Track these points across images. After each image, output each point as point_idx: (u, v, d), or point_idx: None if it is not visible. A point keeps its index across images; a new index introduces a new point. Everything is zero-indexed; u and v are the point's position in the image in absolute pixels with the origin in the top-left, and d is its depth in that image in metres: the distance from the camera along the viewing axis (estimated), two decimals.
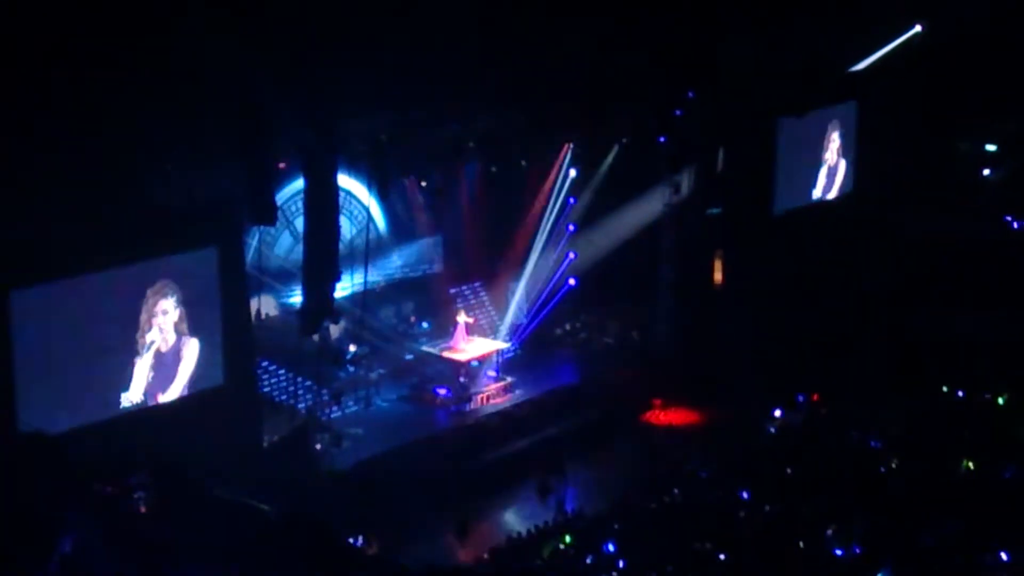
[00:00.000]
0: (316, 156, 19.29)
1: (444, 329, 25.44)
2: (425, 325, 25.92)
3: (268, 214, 19.50)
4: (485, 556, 18.68)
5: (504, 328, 27.02)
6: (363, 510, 19.52)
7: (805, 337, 26.24)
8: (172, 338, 19.67)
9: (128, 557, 12.63)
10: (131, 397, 19.28)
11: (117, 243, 18.68)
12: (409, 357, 25.17)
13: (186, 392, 19.98)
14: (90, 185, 18.14)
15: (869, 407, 22.30)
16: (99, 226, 18.37)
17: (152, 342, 19.40)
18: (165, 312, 19.49)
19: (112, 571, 12.65)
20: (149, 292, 19.26)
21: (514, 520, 20.77)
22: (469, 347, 24.84)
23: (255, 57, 18.23)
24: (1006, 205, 29.97)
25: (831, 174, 29.85)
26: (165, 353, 19.64)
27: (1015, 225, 29.80)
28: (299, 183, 20.93)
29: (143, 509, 14.39)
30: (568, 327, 28.11)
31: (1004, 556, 15.75)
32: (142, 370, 19.36)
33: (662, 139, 26.69)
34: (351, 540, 18.00)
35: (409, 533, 19.54)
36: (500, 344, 25.87)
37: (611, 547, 17.31)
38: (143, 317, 19.24)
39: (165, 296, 19.44)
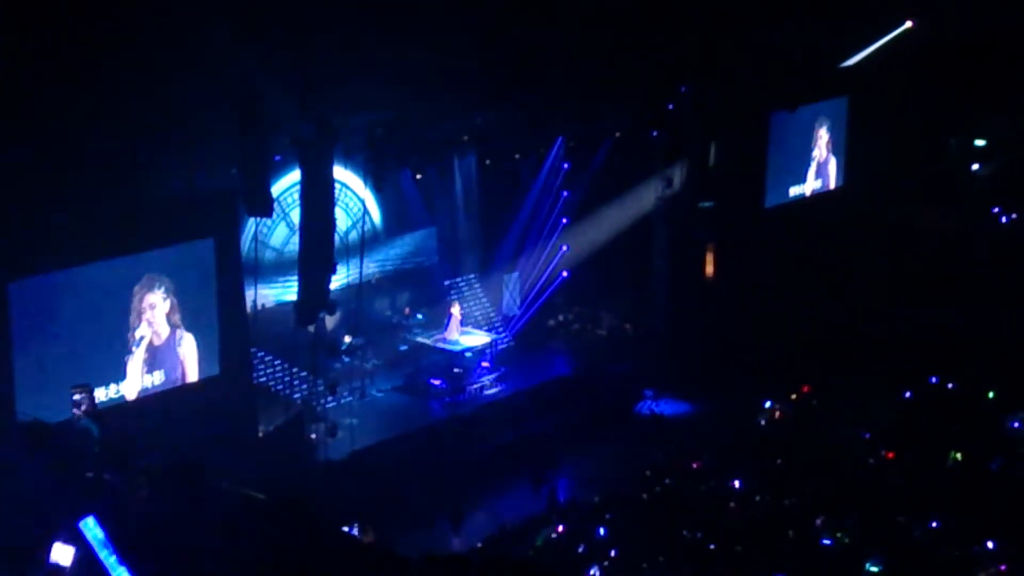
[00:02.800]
0: (313, 148, 19.39)
1: (438, 320, 25.53)
2: (420, 316, 26.00)
3: (265, 206, 19.61)
4: (479, 545, 18.84)
5: (498, 320, 27.19)
6: (358, 500, 19.65)
7: (796, 330, 26.43)
8: (165, 330, 19.79)
9: (128, 544, 12.75)
10: (126, 388, 19.40)
11: (115, 234, 18.75)
12: (404, 348, 25.27)
13: (181, 383, 20.11)
14: (87, 177, 18.19)
15: (859, 399, 22.49)
16: (97, 217, 18.43)
17: (143, 335, 19.52)
18: (153, 306, 19.59)
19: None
20: (136, 286, 19.35)
21: (508, 510, 20.90)
22: (463, 338, 24.98)
23: (252, 49, 18.31)
24: (995, 200, 30.15)
25: (821, 169, 30.04)
26: (159, 345, 19.76)
27: (1004, 219, 30.00)
28: (295, 175, 21.03)
29: (144, 495, 14.47)
30: (561, 319, 28.27)
31: (991, 545, 15.97)
32: (136, 362, 19.48)
33: (655, 133, 26.85)
34: (346, 529, 18.12)
35: (404, 523, 19.65)
36: (494, 336, 26.04)
37: (602, 531, 17.50)
38: (133, 310, 19.36)
39: (153, 289, 19.55)
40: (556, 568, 17.15)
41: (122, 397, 19.34)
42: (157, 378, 19.83)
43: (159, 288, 19.64)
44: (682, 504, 18.54)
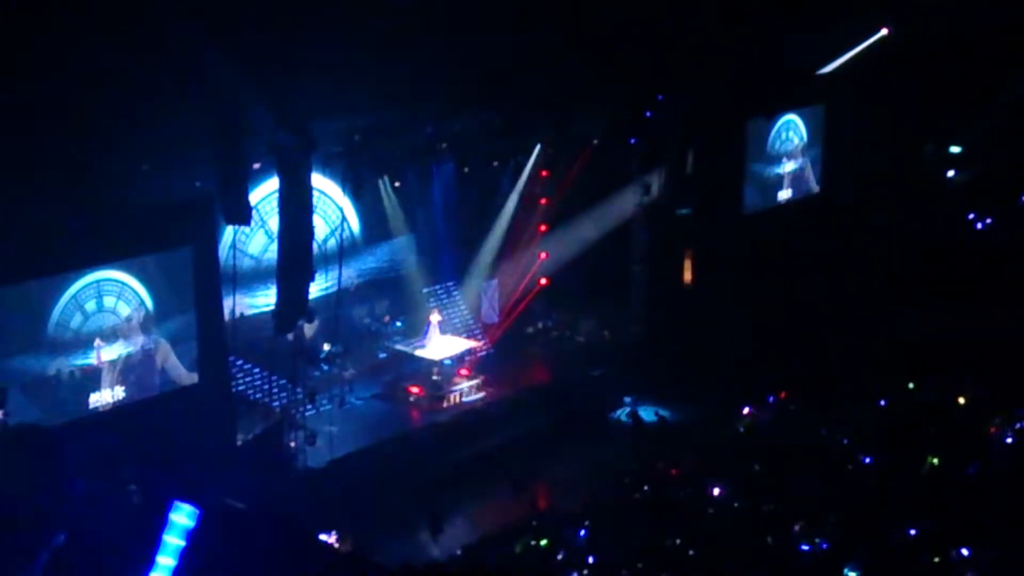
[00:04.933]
0: (290, 156, 19.38)
1: (417, 328, 25.55)
2: (399, 324, 26.03)
3: (243, 214, 19.59)
4: (458, 553, 18.80)
5: (477, 327, 27.20)
6: (337, 508, 19.62)
7: (773, 336, 26.49)
8: (142, 340, 19.76)
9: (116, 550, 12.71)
10: (101, 397, 19.35)
11: (91, 244, 18.78)
12: (383, 356, 25.28)
13: (159, 391, 20.05)
14: (64, 185, 18.14)
15: (837, 404, 22.53)
16: (72, 226, 18.42)
17: (119, 344, 19.50)
18: (130, 316, 19.60)
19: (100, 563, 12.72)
20: (113, 295, 19.34)
21: (487, 517, 20.88)
22: (442, 345, 24.98)
23: (229, 56, 18.29)
24: (971, 206, 30.31)
25: (798, 176, 30.16)
26: (136, 354, 19.73)
27: (979, 225, 30.16)
28: (273, 182, 21.01)
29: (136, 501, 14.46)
30: (540, 326, 28.28)
31: (965, 552, 16.01)
32: (112, 372, 19.46)
33: (633, 140, 26.91)
34: (325, 538, 18.10)
35: (382, 531, 19.64)
36: (473, 343, 26.04)
37: (581, 537, 17.48)
38: (109, 319, 19.35)
39: (129, 299, 19.55)
40: None
41: (98, 407, 19.28)
42: (134, 388, 19.76)
43: (136, 297, 19.60)
44: (661, 511, 18.52)
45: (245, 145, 19.27)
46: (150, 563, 12.37)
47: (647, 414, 24.64)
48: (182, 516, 12.13)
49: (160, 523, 12.95)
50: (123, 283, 19.47)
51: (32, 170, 17.74)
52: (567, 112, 25.37)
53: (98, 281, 19.18)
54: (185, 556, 12.98)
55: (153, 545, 12.64)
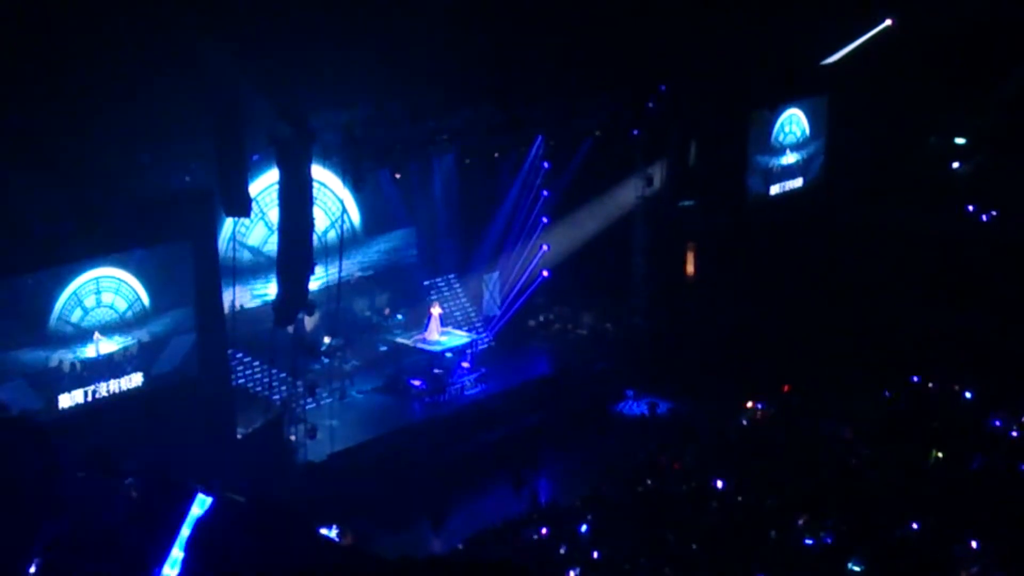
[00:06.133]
0: (290, 148, 19.30)
1: (418, 320, 25.47)
2: (399, 317, 25.94)
3: (243, 206, 19.52)
4: (459, 546, 18.76)
5: (478, 320, 27.12)
6: (337, 502, 19.56)
7: (776, 328, 26.43)
8: (138, 332, 19.71)
9: (109, 547, 12.63)
10: (100, 390, 19.32)
11: (92, 236, 18.71)
12: (383, 348, 25.21)
13: (158, 384, 19.98)
14: (64, 179, 18.09)
15: (840, 398, 22.49)
16: (74, 220, 18.39)
17: (115, 335, 19.46)
18: (129, 308, 19.56)
19: (93, 559, 12.64)
20: (112, 290, 19.33)
21: (488, 511, 20.82)
22: (443, 338, 24.91)
23: (230, 48, 18.22)
24: (975, 198, 30.21)
25: (801, 167, 30.06)
26: (131, 345, 19.68)
27: (984, 217, 30.07)
28: (273, 174, 20.92)
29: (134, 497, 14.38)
30: (542, 319, 28.23)
31: (974, 544, 15.97)
32: (112, 362, 19.43)
33: (635, 132, 26.82)
34: (326, 531, 18.03)
35: (384, 524, 19.60)
36: (474, 336, 25.96)
37: (583, 530, 17.44)
38: (107, 312, 19.31)
39: (128, 292, 19.50)
40: (537, 570, 17.06)
41: (97, 399, 19.23)
42: (136, 379, 19.73)
43: (132, 293, 19.55)
44: (664, 504, 18.49)
45: (245, 137, 19.19)
46: (160, 555, 12.31)
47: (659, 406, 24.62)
48: (196, 507, 12.10)
49: (173, 515, 12.91)
50: (120, 280, 19.46)
51: (29, 163, 17.70)
52: (568, 103, 25.26)
53: (97, 279, 19.19)
54: (188, 550, 12.91)
55: (158, 537, 12.59)
